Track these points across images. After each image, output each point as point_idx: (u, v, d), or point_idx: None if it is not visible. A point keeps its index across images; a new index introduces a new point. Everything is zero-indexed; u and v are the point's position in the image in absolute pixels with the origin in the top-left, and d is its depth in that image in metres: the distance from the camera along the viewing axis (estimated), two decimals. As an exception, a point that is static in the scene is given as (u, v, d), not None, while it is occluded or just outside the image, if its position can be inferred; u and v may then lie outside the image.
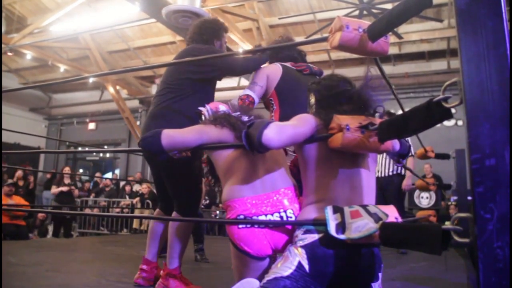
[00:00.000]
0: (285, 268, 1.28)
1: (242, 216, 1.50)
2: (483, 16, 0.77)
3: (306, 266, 1.26)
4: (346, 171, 1.36)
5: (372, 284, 1.31)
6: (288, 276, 1.26)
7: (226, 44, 2.61)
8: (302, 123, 1.34)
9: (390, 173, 4.39)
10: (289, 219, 1.50)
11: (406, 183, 4.42)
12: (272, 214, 1.50)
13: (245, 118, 1.72)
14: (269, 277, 1.30)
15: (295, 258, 1.28)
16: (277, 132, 1.23)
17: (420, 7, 0.91)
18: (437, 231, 0.87)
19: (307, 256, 1.26)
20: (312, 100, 1.51)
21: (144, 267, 2.45)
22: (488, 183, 0.77)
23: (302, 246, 1.29)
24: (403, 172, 4.41)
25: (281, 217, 1.49)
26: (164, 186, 2.40)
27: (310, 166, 1.40)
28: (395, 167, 4.37)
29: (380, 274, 1.33)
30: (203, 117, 1.81)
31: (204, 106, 1.86)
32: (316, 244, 1.27)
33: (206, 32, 2.47)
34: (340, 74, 1.58)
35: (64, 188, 7.13)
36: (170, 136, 1.59)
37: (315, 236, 1.29)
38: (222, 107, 1.82)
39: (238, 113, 1.77)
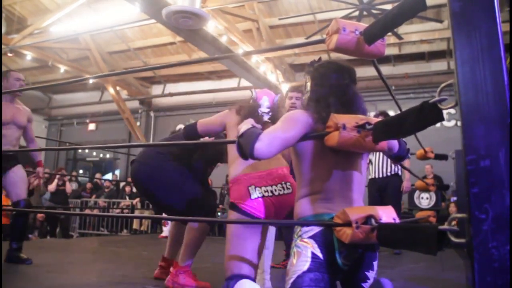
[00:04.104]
0: (302, 262, 1.31)
1: (253, 186, 1.82)
2: (477, 19, 0.78)
3: (320, 254, 1.30)
4: (340, 165, 1.40)
5: (367, 273, 1.35)
6: (309, 268, 1.29)
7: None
8: (292, 127, 1.35)
9: (388, 174, 4.39)
10: (288, 190, 1.83)
11: (406, 185, 4.42)
12: (276, 185, 1.83)
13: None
14: (291, 278, 1.32)
15: (307, 250, 1.31)
16: (268, 144, 1.28)
17: (414, 11, 0.92)
18: (433, 232, 0.88)
19: (317, 245, 1.30)
20: (308, 84, 1.54)
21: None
22: (483, 184, 0.78)
23: (310, 237, 1.33)
24: (400, 172, 4.41)
25: (283, 187, 1.83)
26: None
27: (304, 160, 1.44)
28: (393, 167, 4.37)
29: (375, 263, 1.38)
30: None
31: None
32: (324, 231, 1.31)
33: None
34: (339, 62, 1.55)
35: (52, 188, 7.20)
36: (203, 123, 2.20)
37: (319, 227, 1.33)
38: (265, 101, 2.13)
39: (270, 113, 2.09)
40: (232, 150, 1.96)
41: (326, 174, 1.38)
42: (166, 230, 5.92)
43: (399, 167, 4.35)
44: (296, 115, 1.41)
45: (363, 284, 1.34)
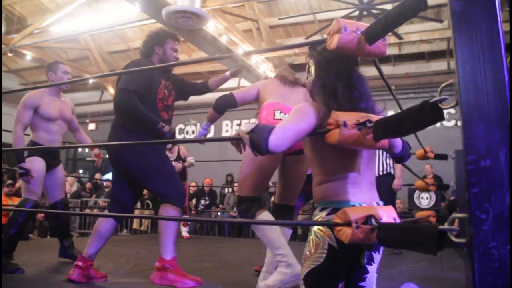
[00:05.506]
0: (319, 255, 1.32)
1: (278, 111, 2.29)
2: (478, 18, 0.78)
3: (335, 244, 1.30)
4: (353, 153, 1.41)
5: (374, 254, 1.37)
6: (325, 261, 1.30)
7: (176, 52, 2.74)
8: (303, 119, 1.35)
9: (380, 173, 4.39)
10: None
11: (397, 183, 4.43)
12: None
13: None
14: (308, 268, 1.33)
15: (325, 242, 1.32)
16: (282, 137, 1.27)
17: (415, 11, 0.92)
18: (433, 232, 0.88)
19: (334, 236, 1.30)
20: (312, 68, 1.50)
21: (80, 263, 2.52)
22: (483, 184, 0.78)
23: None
24: (392, 171, 4.42)
25: None
26: (121, 187, 2.61)
27: (317, 151, 1.45)
28: (385, 167, 4.38)
29: (376, 256, 1.39)
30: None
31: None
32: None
33: (146, 44, 2.72)
34: None
35: None
36: (240, 92, 2.48)
37: (332, 214, 1.33)
38: None
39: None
40: (264, 89, 2.42)
41: (341, 162, 1.40)
42: None
43: (391, 166, 4.37)
44: (306, 108, 1.40)
45: (364, 276, 1.36)
